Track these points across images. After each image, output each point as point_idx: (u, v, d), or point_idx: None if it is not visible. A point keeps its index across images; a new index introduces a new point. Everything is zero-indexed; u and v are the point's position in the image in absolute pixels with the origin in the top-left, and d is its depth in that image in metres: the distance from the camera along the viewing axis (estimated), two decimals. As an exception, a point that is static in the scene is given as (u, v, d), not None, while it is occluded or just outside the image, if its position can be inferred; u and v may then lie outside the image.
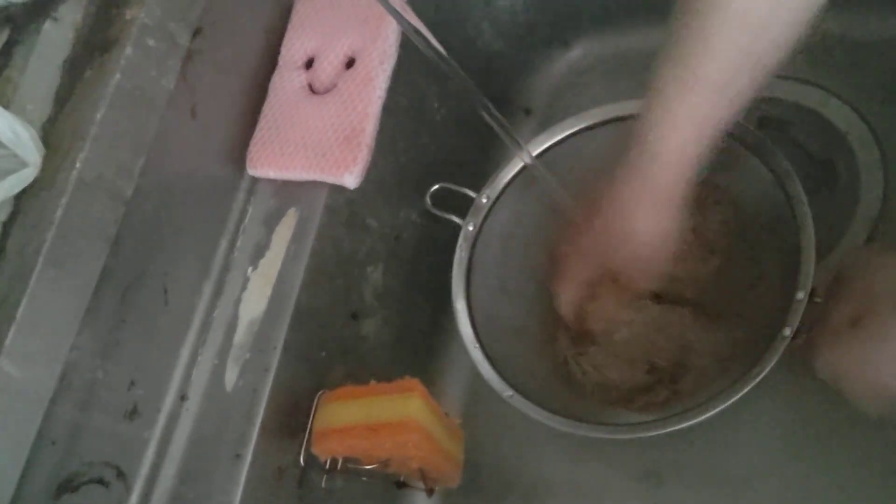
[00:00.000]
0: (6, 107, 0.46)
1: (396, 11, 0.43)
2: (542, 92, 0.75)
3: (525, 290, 0.61)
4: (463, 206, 0.61)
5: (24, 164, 0.44)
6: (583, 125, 0.59)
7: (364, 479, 0.57)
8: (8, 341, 0.40)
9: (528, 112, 0.74)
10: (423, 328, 0.67)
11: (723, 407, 0.49)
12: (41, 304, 0.42)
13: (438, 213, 0.61)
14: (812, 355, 0.47)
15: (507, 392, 0.54)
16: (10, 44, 0.49)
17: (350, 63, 0.59)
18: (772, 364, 0.48)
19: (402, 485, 0.57)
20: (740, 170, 0.55)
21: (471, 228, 0.60)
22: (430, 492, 0.54)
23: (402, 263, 0.64)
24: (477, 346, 0.57)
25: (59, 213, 0.42)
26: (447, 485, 0.56)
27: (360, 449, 0.49)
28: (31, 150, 0.44)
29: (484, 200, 0.60)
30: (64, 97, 0.47)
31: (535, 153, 0.58)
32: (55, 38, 0.48)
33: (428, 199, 0.61)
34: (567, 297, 0.57)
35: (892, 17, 0.63)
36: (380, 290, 0.61)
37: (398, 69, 0.58)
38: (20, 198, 0.45)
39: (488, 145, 0.70)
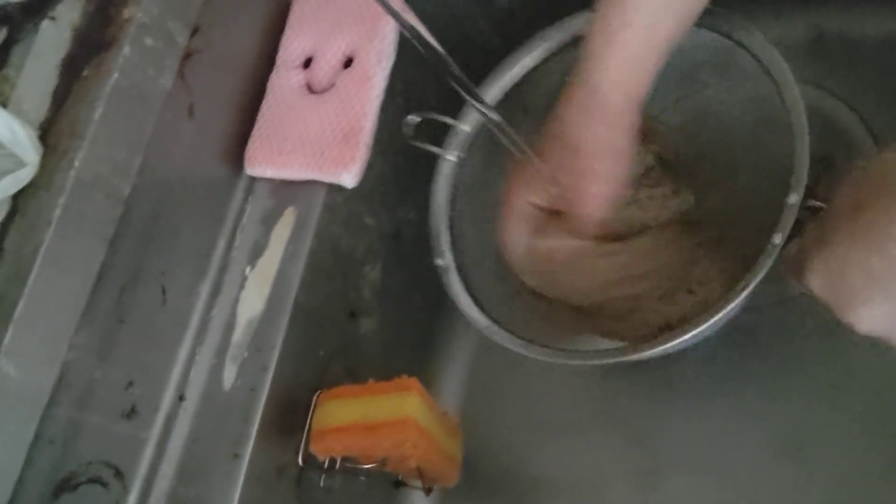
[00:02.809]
0: (4, 106, 0.46)
1: (394, 10, 0.43)
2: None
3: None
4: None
5: (21, 164, 0.44)
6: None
7: (362, 478, 0.57)
8: (6, 341, 0.40)
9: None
10: (422, 327, 0.67)
11: (713, 321, 0.45)
12: (39, 303, 0.42)
13: (418, 143, 0.56)
14: (805, 260, 0.40)
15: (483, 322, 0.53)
16: (8, 43, 0.49)
17: (348, 62, 0.59)
18: (762, 274, 0.43)
19: (400, 484, 0.58)
20: (723, 67, 0.53)
21: (451, 158, 0.58)
22: (428, 490, 0.54)
23: (400, 262, 0.64)
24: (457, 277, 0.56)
25: (56, 212, 0.42)
26: (445, 483, 0.56)
27: (359, 448, 0.49)
28: (28, 150, 0.44)
29: (467, 128, 0.58)
30: (61, 96, 0.47)
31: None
32: (53, 38, 0.48)
33: (405, 130, 0.56)
34: (514, 240, 0.55)
35: (889, 16, 0.63)
36: (378, 288, 0.61)
37: (396, 68, 0.58)
38: (18, 197, 0.45)
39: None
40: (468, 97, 0.49)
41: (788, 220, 0.43)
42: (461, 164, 0.59)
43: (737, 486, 0.58)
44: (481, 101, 0.49)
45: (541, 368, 0.65)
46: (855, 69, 0.63)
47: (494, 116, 0.49)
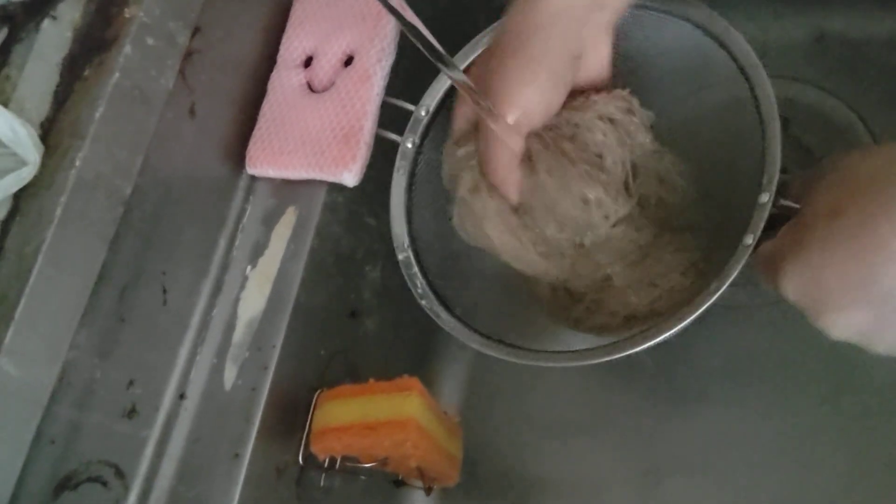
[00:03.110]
0: (5, 105, 0.46)
1: (394, 9, 0.43)
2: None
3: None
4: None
5: (22, 163, 0.44)
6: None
7: (363, 477, 0.57)
8: (7, 340, 0.40)
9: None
10: (422, 327, 0.67)
11: (679, 328, 0.44)
12: (40, 302, 0.42)
13: (380, 131, 0.56)
14: (780, 263, 0.39)
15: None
16: (9, 42, 0.49)
17: (348, 61, 0.59)
18: (732, 277, 0.42)
19: (400, 483, 0.58)
20: (704, 66, 0.51)
21: (409, 145, 0.56)
22: (428, 490, 0.54)
23: (400, 262, 0.64)
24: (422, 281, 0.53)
25: (58, 211, 0.42)
26: (446, 483, 0.56)
27: (359, 447, 0.49)
28: (29, 149, 0.44)
29: (423, 113, 0.56)
30: (63, 96, 0.47)
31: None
32: (54, 37, 0.48)
33: None
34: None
35: (889, 16, 0.63)
36: (379, 288, 0.61)
37: (396, 67, 0.58)
38: (19, 197, 0.45)
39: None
40: (467, 97, 0.49)
41: (760, 220, 0.43)
42: (417, 150, 0.57)
43: (736, 487, 0.58)
44: (482, 105, 0.48)
45: (540, 369, 0.65)
46: (855, 70, 0.63)
47: (466, 80, 0.48)
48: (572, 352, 0.48)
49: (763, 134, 0.45)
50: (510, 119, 0.45)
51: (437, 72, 0.52)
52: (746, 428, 0.59)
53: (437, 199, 0.57)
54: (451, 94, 0.56)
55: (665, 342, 0.45)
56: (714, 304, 0.44)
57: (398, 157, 0.56)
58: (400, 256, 0.54)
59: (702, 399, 0.61)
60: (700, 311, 0.43)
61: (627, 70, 0.53)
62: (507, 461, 0.64)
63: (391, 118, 0.57)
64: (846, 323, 0.37)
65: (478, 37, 0.56)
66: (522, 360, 0.50)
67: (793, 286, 0.38)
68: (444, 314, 0.53)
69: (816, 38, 0.66)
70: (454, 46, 0.51)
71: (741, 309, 0.60)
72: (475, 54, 0.56)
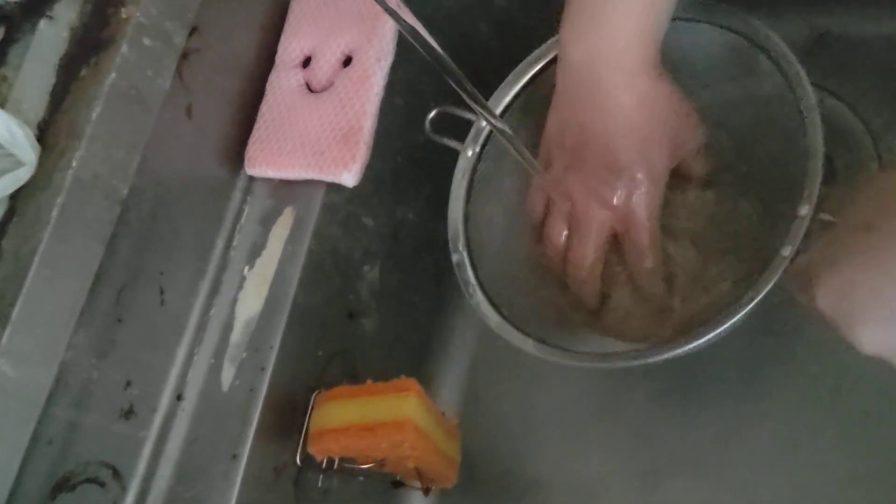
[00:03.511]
0: (2, 106, 0.46)
1: (392, 9, 0.43)
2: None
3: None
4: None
5: (19, 164, 0.44)
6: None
7: (360, 478, 0.57)
8: (3, 341, 0.40)
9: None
10: (420, 327, 0.67)
11: (717, 332, 0.45)
12: (37, 303, 0.42)
13: (438, 138, 0.57)
14: (814, 277, 0.39)
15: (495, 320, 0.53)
16: (6, 42, 0.48)
17: (347, 61, 0.58)
18: (769, 287, 0.43)
19: (398, 484, 0.58)
20: (746, 73, 0.51)
21: (469, 154, 0.57)
22: (426, 491, 0.54)
23: (399, 262, 0.64)
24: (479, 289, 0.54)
25: (54, 212, 0.42)
26: (443, 484, 0.56)
27: (357, 448, 0.49)
28: (26, 150, 0.44)
29: (484, 123, 0.57)
30: (59, 96, 0.47)
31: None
32: (50, 37, 0.48)
33: (427, 125, 0.57)
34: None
35: (888, 16, 0.63)
36: (376, 289, 0.61)
37: (396, 67, 0.58)
38: (16, 197, 0.45)
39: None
40: (466, 96, 0.49)
41: (798, 232, 0.43)
42: (477, 158, 0.58)
43: (736, 488, 0.58)
44: (480, 103, 0.48)
45: (540, 369, 0.65)
46: (855, 70, 0.63)
47: (490, 118, 0.49)
48: (617, 353, 0.49)
49: (806, 147, 0.46)
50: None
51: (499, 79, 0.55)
52: (746, 430, 0.59)
53: (492, 206, 0.58)
54: (512, 103, 0.57)
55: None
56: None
57: (458, 165, 0.57)
58: (454, 258, 0.55)
59: (701, 400, 0.61)
60: (735, 319, 0.44)
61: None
62: (505, 462, 0.64)
63: (448, 125, 0.57)
64: (878, 338, 0.37)
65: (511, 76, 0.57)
66: (576, 361, 0.50)
67: (826, 300, 0.38)
68: (494, 316, 0.53)
69: (817, 39, 0.65)
70: (455, 49, 0.50)
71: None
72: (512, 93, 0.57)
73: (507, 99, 0.58)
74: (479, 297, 0.54)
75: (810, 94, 0.47)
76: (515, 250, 0.58)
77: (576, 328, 0.56)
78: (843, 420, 0.56)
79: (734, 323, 0.44)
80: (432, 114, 0.56)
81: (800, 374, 0.58)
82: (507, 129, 0.48)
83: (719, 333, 0.45)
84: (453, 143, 0.57)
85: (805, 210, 0.43)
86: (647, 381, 0.63)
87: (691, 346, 0.45)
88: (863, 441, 0.55)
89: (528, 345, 0.51)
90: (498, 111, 0.57)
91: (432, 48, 0.44)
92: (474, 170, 0.57)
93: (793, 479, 0.56)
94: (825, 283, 0.38)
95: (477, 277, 0.55)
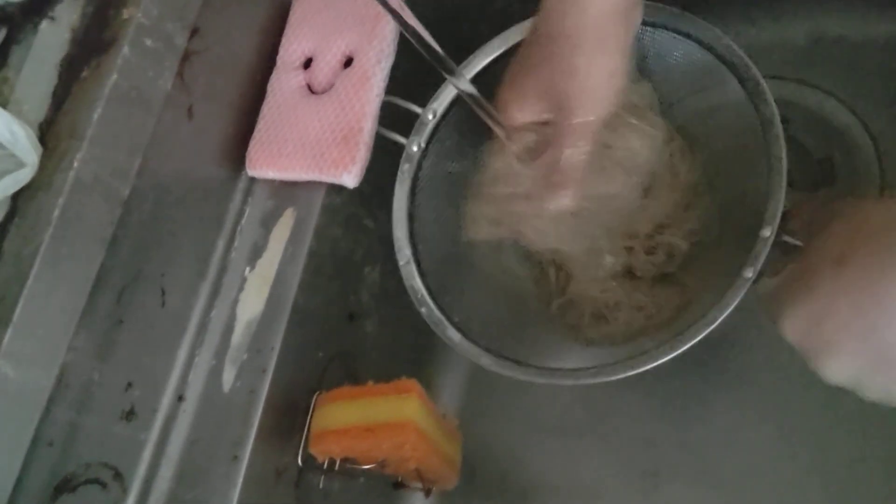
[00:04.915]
0: (3, 106, 0.46)
1: (393, 10, 0.43)
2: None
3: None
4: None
5: (20, 165, 0.44)
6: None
7: (361, 479, 0.57)
8: (5, 342, 0.40)
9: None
10: (421, 329, 0.67)
11: (673, 355, 0.45)
12: (38, 304, 0.42)
13: (384, 131, 0.56)
14: (784, 304, 0.40)
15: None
16: (7, 43, 0.48)
17: (348, 62, 0.58)
18: (731, 308, 0.44)
19: (399, 485, 0.57)
20: (711, 89, 0.51)
21: (415, 149, 0.56)
22: (427, 492, 0.54)
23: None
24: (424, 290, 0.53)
25: (55, 213, 0.42)
26: (444, 485, 0.56)
27: (358, 450, 0.49)
28: (27, 151, 0.44)
29: (430, 117, 0.56)
30: (61, 97, 0.47)
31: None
32: (52, 38, 0.48)
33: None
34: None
35: (888, 18, 0.63)
36: (377, 290, 0.61)
37: (396, 68, 0.58)
38: (17, 198, 0.45)
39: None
40: (467, 97, 0.49)
41: (761, 254, 0.43)
42: (422, 154, 0.57)
43: (736, 490, 0.58)
44: (482, 106, 0.49)
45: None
46: (854, 71, 0.63)
47: (472, 90, 0.49)
48: (572, 370, 0.48)
49: (769, 168, 0.46)
50: (594, 116, 0.46)
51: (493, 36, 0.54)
52: (745, 432, 0.59)
53: (440, 203, 0.57)
54: (460, 98, 0.55)
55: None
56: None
57: (402, 160, 0.56)
58: (401, 262, 0.54)
59: (700, 404, 0.61)
60: (697, 339, 0.44)
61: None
62: (506, 464, 0.64)
63: (394, 119, 0.56)
64: (840, 369, 0.38)
65: (485, 45, 0.57)
66: (520, 375, 0.49)
67: (793, 329, 0.39)
68: (447, 326, 0.52)
69: (815, 40, 0.66)
70: (455, 50, 0.50)
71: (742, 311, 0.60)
72: (483, 63, 0.56)
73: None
74: (429, 303, 0.53)
75: (773, 109, 0.47)
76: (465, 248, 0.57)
77: (542, 329, 0.56)
78: (842, 422, 0.56)
79: (692, 344, 0.45)
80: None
81: (798, 377, 0.58)
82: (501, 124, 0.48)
83: (677, 354, 0.45)
84: (397, 137, 0.56)
85: (767, 232, 0.44)
86: (647, 384, 0.63)
87: (647, 366, 0.46)
88: (862, 443, 0.55)
89: (477, 356, 0.51)
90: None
91: (432, 48, 0.44)
92: (419, 166, 0.56)
93: (791, 483, 0.56)
94: (794, 312, 0.39)
95: (425, 283, 0.53)
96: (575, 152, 0.47)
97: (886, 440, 0.55)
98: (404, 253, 0.54)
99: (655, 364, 0.45)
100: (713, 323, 0.44)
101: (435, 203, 0.57)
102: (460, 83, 0.47)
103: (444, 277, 0.55)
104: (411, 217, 0.56)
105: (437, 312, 0.53)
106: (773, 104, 0.47)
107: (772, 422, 0.58)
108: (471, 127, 0.55)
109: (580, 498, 0.62)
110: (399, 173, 0.56)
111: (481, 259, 0.57)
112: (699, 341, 0.45)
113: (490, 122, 0.50)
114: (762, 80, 0.48)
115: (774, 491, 0.57)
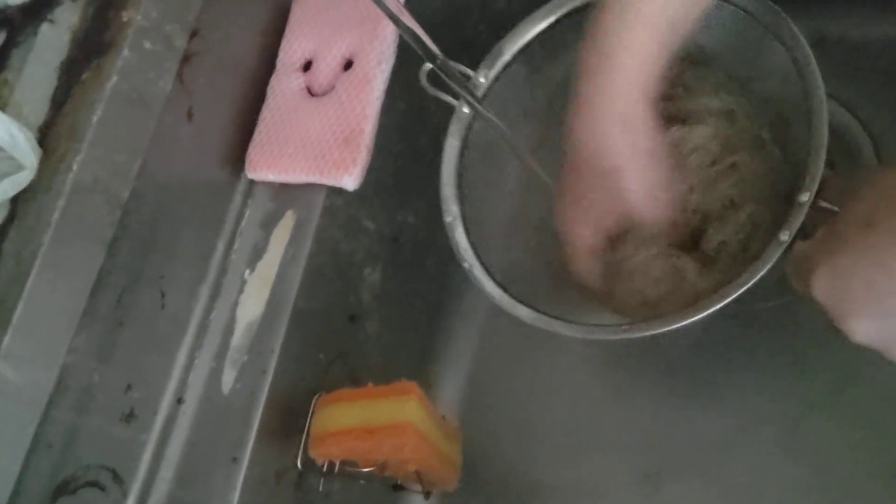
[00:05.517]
0: (2, 109, 0.46)
1: (392, 13, 0.43)
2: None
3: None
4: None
5: (20, 167, 0.44)
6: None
7: (361, 481, 0.57)
8: (4, 344, 0.40)
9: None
10: (421, 330, 0.67)
11: (707, 313, 0.45)
12: (38, 307, 0.42)
13: (433, 90, 0.54)
14: (813, 265, 0.41)
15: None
16: (7, 46, 0.49)
17: (348, 65, 0.59)
18: (766, 269, 0.44)
19: (399, 487, 0.57)
20: (753, 54, 0.52)
21: (465, 110, 0.56)
22: (427, 494, 0.54)
23: (399, 265, 0.64)
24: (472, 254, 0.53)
25: (55, 215, 0.42)
26: (444, 487, 0.56)
27: (358, 452, 0.49)
28: (27, 153, 0.44)
29: (482, 79, 0.56)
30: (60, 100, 0.47)
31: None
32: (52, 41, 0.48)
33: (423, 77, 0.53)
34: (584, 265, 0.53)
35: (889, 20, 0.63)
36: (377, 292, 0.61)
37: (396, 70, 0.58)
38: (16, 201, 0.45)
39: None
40: (469, 98, 0.49)
41: (798, 218, 0.44)
42: (473, 119, 0.57)
43: (738, 489, 0.58)
44: (476, 99, 0.49)
45: (540, 371, 0.65)
46: (855, 73, 0.63)
47: (490, 116, 0.49)
48: (607, 325, 0.48)
49: (810, 133, 0.46)
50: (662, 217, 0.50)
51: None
52: (747, 432, 0.59)
53: (488, 165, 0.57)
54: (511, 62, 0.56)
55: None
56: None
57: (452, 120, 0.56)
58: (447, 219, 0.54)
59: (702, 403, 0.61)
60: (733, 297, 0.44)
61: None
62: (506, 465, 0.64)
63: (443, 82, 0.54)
64: (869, 329, 0.39)
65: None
66: (565, 331, 0.49)
67: (823, 288, 0.40)
68: (487, 282, 0.52)
69: (816, 42, 0.65)
70: (455, 50, 0.50)
71: (743, 312, 0.60)
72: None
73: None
74: (473, 261, 0.53)
75: (819, 83, 0.47)
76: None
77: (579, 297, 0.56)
78: (845, 422, 0.56)
79: (729, 302, 0.45)
80: (427, 68, 0.53)
81: (801, 377, 0.59)
82: (509, 134, 0.49)
83: (712, 313, 0.45)
84: (448, 98, 0.55)
85: (805, 197, 0.44)
86: (648, 384, 0.63)
87: (684, 322, 0.45)
88: (865, 442, 0.55)
89: (522, 313, 0.51)
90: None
91: (431, 50, 0.44)
92: (469, 127, 0.56)
93: (795, 482, 0.56)
94: (823, 271, 0.40)
95: (469, 240, 0.54)
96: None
97: (890, 441, 0.55)
98: (451, 210, 0.55)
99: (685, 323, 0.45)
100: (748, 283, 0.44)
101: (483, 165, 0.57)
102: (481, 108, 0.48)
103: (488, 238, 0.55)
104: (459, 177, 0.56)
105: (479, 267, 0.53)
106: (818, 73, 0.47)
107: (774, 421, 0.58)
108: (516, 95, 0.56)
109: (581, 499, 0.62)
110: (448, 134, 0.56)
111: (528, 223, 0.58)
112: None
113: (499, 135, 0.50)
114: (809, 49, 0.48)
115: (776, 492, 0.57)
